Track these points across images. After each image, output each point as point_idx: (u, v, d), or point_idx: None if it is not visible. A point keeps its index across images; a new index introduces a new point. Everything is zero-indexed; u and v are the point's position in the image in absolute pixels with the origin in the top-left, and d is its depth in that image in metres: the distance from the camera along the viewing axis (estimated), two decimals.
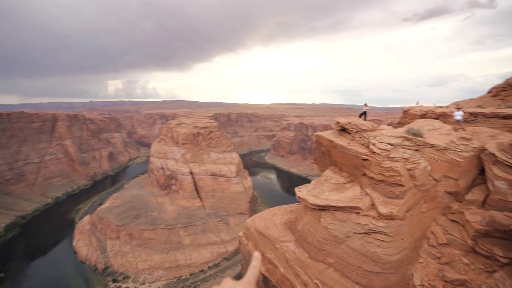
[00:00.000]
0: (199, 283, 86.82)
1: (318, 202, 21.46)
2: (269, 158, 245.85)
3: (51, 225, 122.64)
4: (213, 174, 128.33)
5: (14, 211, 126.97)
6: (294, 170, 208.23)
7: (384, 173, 18.00)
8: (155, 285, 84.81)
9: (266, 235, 23.92)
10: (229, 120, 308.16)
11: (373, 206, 19.07)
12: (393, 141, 19.06)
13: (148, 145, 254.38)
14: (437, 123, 24.45)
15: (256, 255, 2.34)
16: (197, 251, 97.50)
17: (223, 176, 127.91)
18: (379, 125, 24.45)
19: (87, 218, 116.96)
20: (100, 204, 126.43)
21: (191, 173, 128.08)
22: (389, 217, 17.21)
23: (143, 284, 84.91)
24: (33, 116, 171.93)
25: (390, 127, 23.61)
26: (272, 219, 25.80)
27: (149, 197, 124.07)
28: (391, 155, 18.29)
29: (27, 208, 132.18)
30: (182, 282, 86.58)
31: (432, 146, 18.65)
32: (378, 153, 18.63)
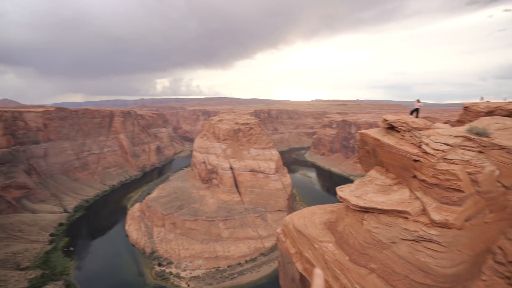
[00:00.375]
0: (236, 275, 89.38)
1: (361, 203, 20.31)
2: (309, 156, 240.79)
3: (108, 209, 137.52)
4: (252, 170, 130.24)
5: (80, 195, 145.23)
6: (335, 169, 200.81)
7: (438, 176, 16.25)
8: (195, 273, 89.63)
9: (305, 234, 23.47)
10: (269, 116, 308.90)
11: (424, 211, 17.40)
12: (451, 141, 17.05)
13: (191, 140, 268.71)
14: (509, 122, 21.20)
15: (319, 272, 2.28)
16: (235, 244, 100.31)
17: (262, 172, 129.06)
18: (433, 123, 22.11)
19: (137, 205, 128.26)
20: (148, 194, 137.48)
21: (231, 168, 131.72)
22: (444, 225, 15.49)
23: (185, 270, 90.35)
24: (95, 112, 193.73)
25: (447, 125, 21.16)
26: (311, 218, 25.21)
27: (191, 190, 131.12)
28: (448, 157, 16.39)
29: (90, 194, 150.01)
30: (220, 273, 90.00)
31: (502, 147, 16.22)
32: (431, 154, 16.86)
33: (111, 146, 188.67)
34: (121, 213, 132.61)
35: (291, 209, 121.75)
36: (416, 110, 27.54)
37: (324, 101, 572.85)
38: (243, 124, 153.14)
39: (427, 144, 17.60)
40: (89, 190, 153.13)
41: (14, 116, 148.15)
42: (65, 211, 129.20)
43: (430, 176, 16.72)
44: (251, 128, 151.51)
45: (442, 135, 17.96)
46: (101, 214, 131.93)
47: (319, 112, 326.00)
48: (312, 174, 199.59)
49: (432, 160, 16.65)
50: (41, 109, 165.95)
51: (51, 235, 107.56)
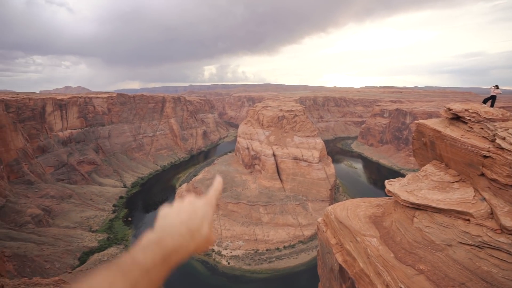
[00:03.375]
0: (274, 259, 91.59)
1: (413, 199, 18.65)
2: (355, 146, 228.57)
3: (159, 187, 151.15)
4: (295, 158, 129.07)
5: (136, 173, 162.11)
6: (384, 161, 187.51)
7: None
8: (235, 252, 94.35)
9: (347, 226, 22.65)
10: (315, 104, 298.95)
11: (491, 215, 15.26)
12: None
13: (236, 126, 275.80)
14: None
15: (218, 178, 2.77)
16: (274, 229, 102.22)
17: (305, 160, 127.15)
18: None
19: (184, 185, 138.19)
20: (195, 175, 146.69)
21: (274, 155, 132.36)
22: None
23: (226, 249, 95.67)
24: (149, 98, 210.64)
25: None
26: (355, 210, 24.15)
27: (234, 174, 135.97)
28: None
29: (144, 172, 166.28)
30: (259, 255, 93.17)
31: None
32: (509, 150, 14.43)
33: (163, 129, 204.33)
34: (171, 191, 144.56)
35: (333, 199, 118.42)
36: (492, 98, 23.47)
37: (376, 88, 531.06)
38: (287, 111, 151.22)
39: (503, 138, 15.09)
40: (144, 169, 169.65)
41: (86, 102, 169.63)
42: (125, 186, 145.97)
43: (504, 175, 14.41)
44: (296, 116, 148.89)
45: None
46: (153, 191, 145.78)
47: (370, 100, 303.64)
48: (358, 165, 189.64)
49: (508, 157, 14.27)
50: (105, 95, 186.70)
51: (114, 205, 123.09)
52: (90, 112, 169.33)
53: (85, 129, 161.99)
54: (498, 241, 13.67)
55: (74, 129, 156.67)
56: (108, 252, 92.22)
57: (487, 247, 14.04)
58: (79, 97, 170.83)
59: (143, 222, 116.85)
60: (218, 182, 2.54)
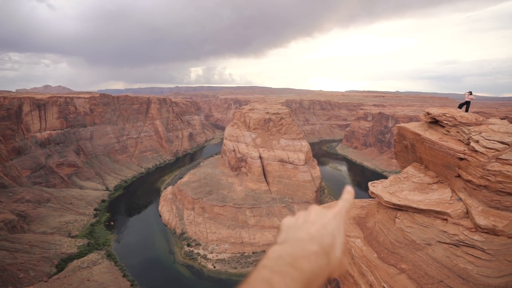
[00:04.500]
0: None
1: (395, 200, 19.22)
2: (340, 149, 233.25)
3: (144, 190, 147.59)
4: (281, 160, 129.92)
5: (119, 176, 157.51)
6: (367, 163, 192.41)
7: (488, 178, 14.68)
8: (221, 256, 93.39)
9: None
10: (301, 107, 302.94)
11: (467, 214, 15.98)
12: (508, 139, 15.19)
13: (222, 128, 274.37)
14: None
15: (349, 189, 2.14)
16: (260, 232, 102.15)
17: (291, 163, 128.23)
18: (487, 118, 19.84)
19: (169, 188, 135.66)
20: (180, 178, 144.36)
21: (260, 157, 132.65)
22: (491, 231, 14.07)
23: (212, 253, 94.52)
24: (134, 99, 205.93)
25: (504, 121, 18.86)
26: None
27: (220, 176, 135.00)
28: (502, 157, 14.67)
29: (128, 175, 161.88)
30: (245, 258, 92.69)
31: None
32: (482, 153, 15.21)
33: (148, 131, 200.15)
34: (155, 194, 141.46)
35: (319, 201, 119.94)
36: (467, 103, 24.79)
37: (359, 92, 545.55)
38: (273, 114, 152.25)
39: (476, 142, 15.89)
40: (127, 171, 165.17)
41: (67, 102, 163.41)
42: (107, 189, 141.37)
43: (478, 176, 15.16)
44: (282, 118, 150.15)
45: (497, 132, 16.06)
46: (137, 194, 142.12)
47: (354, 104, 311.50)
48: (343, 168, 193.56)
49: (482, 160, 15.03)
50: (88, 95, 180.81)
51: (95, 209, 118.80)
52: (71, 113, 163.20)
53: (65, 130, 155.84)
54: (473, 239, 14.34)
55: (54, 130, 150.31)
56: (88, 258, 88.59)
57: (463, 245, 14.69)
58: (60, 96, 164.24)
59: (126, 226, 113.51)
60: (348, 192, 2.13)
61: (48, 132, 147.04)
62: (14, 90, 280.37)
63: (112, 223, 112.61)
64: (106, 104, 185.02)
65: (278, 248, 1.58)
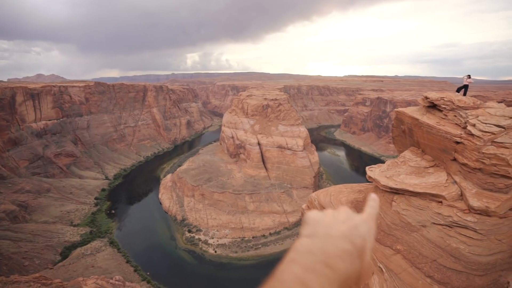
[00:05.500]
0: (260, 246, 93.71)
1: (392, 184, 19.58)
2: (338, 134, 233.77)
3: (143, 178, 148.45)
4: (280, 147, 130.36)
5: (118, 165, 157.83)
6: (365, 148, 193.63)
7: (483, 160, 14.94)
8: (222, 241, 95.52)
9: None
10: (299, 92, 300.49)
11: (461, 196, 16.36)
12: (504, 122, 15.33)
13: (220, 115, 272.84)
14: None
15: (374, 196, 2.08)
16: (260, 217, 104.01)
17: (289, 149, 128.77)
18: (485, 102, 19.90)
19: (169, 176, 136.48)
20: (179, 166, 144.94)
21: (259, 144, 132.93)
22: (483, 212, 14.49)
23: (212, 238, 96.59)
24: (129, 87, 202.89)
25: (502, 104, 18.94)
26: (337, 196, 24.99)
27: (219, 163, 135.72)
28: (498, 140, 14.87)
29: (127, 163, 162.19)
30: (245, 243, 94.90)
31: None
32: (478, 136, 15.40)
33: (145, 119, 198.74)
34: (155, 182, 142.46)
35: (317, 186, 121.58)
36: (465, 87, 24.73)
37: (358, 77, 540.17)
38: (272, 100, 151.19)
39: (473, 125, 16.04)
40: (126, 160, 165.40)
41: (61, 91, 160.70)
42: (106, 178, 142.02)
43: (473, 160, 15.42)
44: (280, 104, 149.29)
45: (493, 115, 16.18)
46: (137, 183, 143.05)
47: (352, 89, 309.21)
48: (341, 153, 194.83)
49: (477, 143, 15.24)
50: (82, 84, 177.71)
51: (96, 198, 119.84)
52: (66, 102, 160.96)
53: (61, 120, 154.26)
54: (466, 220, 14.79)
55: (49, 120, 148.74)
56: (91, 245, 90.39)
57: (456, 226, 15.17)
58: (53, 86, 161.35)
59: (127, 214, 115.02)
60: (374, 200, 2.05)
61: (44, 122, 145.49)
62: (5, 80, 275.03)
63: (113, 211, 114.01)
64: (102, 92, 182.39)
65: (307, 241, 1.45)
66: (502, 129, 14.91)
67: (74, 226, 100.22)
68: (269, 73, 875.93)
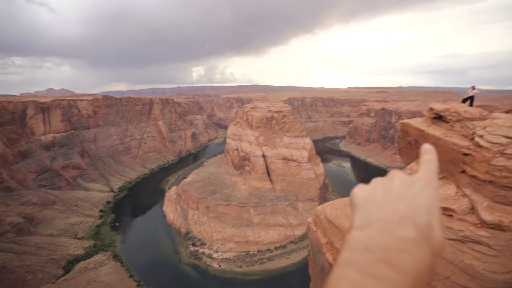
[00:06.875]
0: (265, 260, 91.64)
1: None
2: (344, 146, 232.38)
3: (148, 191, 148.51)
4: (285, 158, 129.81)
5: (124, 177, 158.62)
6: (371, 160, 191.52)
7: (493, 173, 14.51)
8: (226, 255, 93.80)
9: (337, 225, 22.92)
10: (303, 104, 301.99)
11: (472, 210, 15.81)
12: None
13: (225, 127, 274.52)
14: None
15: (428, 146, 1.64)
16: (265, 230, 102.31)
17: (294, 160, 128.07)
18: (491, 112, 19.60)
19: (174, 188, 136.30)
20: (184, 178, 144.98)
21: (264, 156, 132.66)
22: (497, 227, 13.93)
23: (217, 252, 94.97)
24: (136, 100, 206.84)
25: (509, 115, 18.61)
26: (344, 210, 24.43)
27: (224, 175, 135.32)
28: (507, 151, 14.48)
29: (132, 176, 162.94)
30: (250, 257, 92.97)
31: None
32: (487, 148, 15.04)
33: (151, 132, 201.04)
34: (160, 195, 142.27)
35: (323, 199, 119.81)
36: (471, 98, 24.59)
37: (362, 88, 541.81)
38: (276, 111, 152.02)
39: (481, 136, 15.71)
40: (132, 172, 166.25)
41: (70, 104, 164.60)
42: (111, 190, 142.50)
43: (483, 172, 14.99)
44: (285, 116, 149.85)
45: (501, 126, 15.85)
46: (141, 195, 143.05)
47: (356, 100, 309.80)
48: (347, 164, 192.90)
49: (486, 154, 14.86)
50: (90, 98, 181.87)
51: (100, 211, 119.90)
52: (74, 115, 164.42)
53: (69, 132, 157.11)
54: (478, 235, 14.22)
55: (58, 133, 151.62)
56: (94, 259, 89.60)
57: (469, 241, 14.57)
58: (63, 99, 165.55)
59: (132, 227, 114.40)
60: (429, 151, 1.61)
61: (52, 135, 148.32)
62: (18, 94, 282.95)
63: (117, 224, 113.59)
64: (109, 105, 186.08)
65: (361, 235, 1.18)
66: (511, 141, 14.58)
67: (78, 239, 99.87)
68: (273, 86, 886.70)
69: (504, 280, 13.33)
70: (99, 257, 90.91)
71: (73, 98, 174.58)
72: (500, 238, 13.74)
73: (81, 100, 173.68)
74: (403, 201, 1.27)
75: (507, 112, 22.75)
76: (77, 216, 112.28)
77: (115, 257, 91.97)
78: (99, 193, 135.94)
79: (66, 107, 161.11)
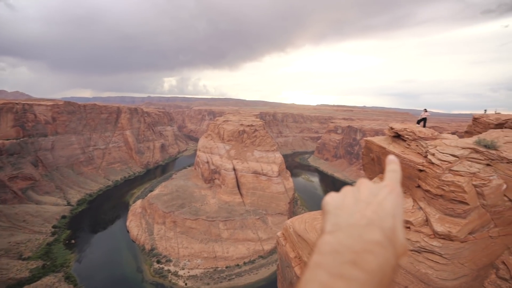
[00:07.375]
0: (233, 276, 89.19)
1: None
2: (312, 161, 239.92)
3: (110, 204, 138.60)
4: (255, 172, 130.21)
5: (84, 189, 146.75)
6: (338, 174, 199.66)
7: (443, 187, 16.08)
8: (193, 272, 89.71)
9: (305, 239, 23.35)
10: (274, 119, 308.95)
11: (426, 222, 17.22)
12: (458, 152, 16.88)
13: (196, 140, 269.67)
14: None
15: (392, 157, 1.80)
16: (234, 245, 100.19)
17: (264, 174, 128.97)
18: (440, 133, 21.92)
19: (139, 202, 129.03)
20: (151, 191, 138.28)
21: (234, 169, 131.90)
22: (447, 237, 15.32)
23: (183, 269, 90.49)
24: (102, 108, 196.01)
25: (455, 136, 20.97)
26: (312, 223, 25.05)
27: (193, 189, 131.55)
28: (454, 168, 16.22)
29: (94, 188, 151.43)
30: (218, 273, 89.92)
31: (510, 161, 16.02)
32: (437, 165, 16.71)
33: (117, 142, 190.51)
34: (123, 208, 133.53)
35: (292, 213, 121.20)
36: (424, 119, 27.44)
37: (330, 106, 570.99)
38: (248, 125, 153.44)
39: (433, 155, 17.44)
40: (93, 184, 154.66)
41: (24, 109, 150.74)
42: (69, 204, 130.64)
43: (434, 186, 16.55)
44: (256, 130, 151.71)
45: (449, 146, 17.79)
46: (103, 209, 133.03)
47: (325, 117, 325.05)
48: (315, 179, 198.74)
49: (437, 171, 16.50)
50: (50, 103, 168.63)
51: (53, 227, 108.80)
52: (29, 121, 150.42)
53: (21, 139, 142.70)
54: (432, 245, 15.49)
55: (7, 139, 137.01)
56: (42, 282, 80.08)
57: (424, 251, 15.78)
58: (16, 103, 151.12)
59: (90, 244, 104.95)
60: (393, 162, 1.74)
61: (0, 141, 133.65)
62: None
63: (73, 241, 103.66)
64: (71, 112, 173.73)
65: (331, 239, 1.21)
66: (457, 158, 16.40)
67: (23, 259, 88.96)
68: (245, 100, 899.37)
69: (453, 286, 14.58)
70: (48, 279, 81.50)
71: (28, 102, 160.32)
72: (449, 247, 15.11)
73: (39, 104, 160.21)
74: (370, 207, 1.34)
75: (453, 133, 25.61)
76: (24, 233, 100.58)
77: (68, 278, 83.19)
78: (53, 206, 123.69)
79: (19, 112, 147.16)
